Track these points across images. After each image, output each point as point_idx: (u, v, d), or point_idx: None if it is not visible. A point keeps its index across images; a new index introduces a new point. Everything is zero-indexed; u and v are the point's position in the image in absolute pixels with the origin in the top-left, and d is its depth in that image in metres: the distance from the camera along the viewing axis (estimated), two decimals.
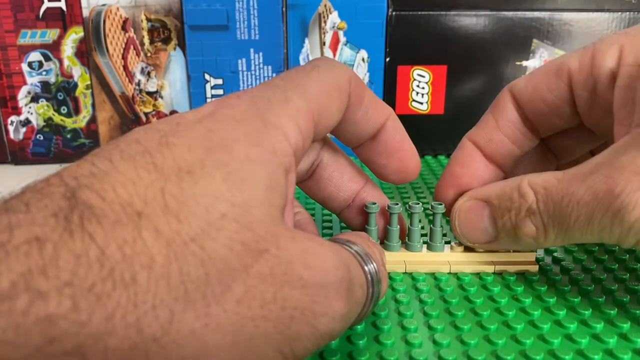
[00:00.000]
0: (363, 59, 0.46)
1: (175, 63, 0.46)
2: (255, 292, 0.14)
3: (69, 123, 0.47)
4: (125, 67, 0.46)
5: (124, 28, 0.45)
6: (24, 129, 0.47)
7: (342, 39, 0.46)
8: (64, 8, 0.44)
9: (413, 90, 0.46)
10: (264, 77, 0.46)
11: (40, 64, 0.45)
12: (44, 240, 0.12)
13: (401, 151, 0.24)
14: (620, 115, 0.22)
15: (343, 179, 0.25)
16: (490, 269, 0.26)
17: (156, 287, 0.13)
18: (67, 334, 0.12)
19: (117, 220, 0.13)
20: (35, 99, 0.46)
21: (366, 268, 0.19)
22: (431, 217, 0.27)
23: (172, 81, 0.46)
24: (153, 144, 0.15)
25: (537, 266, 0.27)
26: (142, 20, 0.45)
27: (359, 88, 0.21)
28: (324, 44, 0.46)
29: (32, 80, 0.46)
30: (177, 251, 0.13)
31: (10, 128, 0.47)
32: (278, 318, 0.15)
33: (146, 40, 0.45)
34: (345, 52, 0.46)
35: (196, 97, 0.46)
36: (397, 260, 0.27)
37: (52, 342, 0.11)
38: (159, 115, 0.47)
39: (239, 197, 0.15)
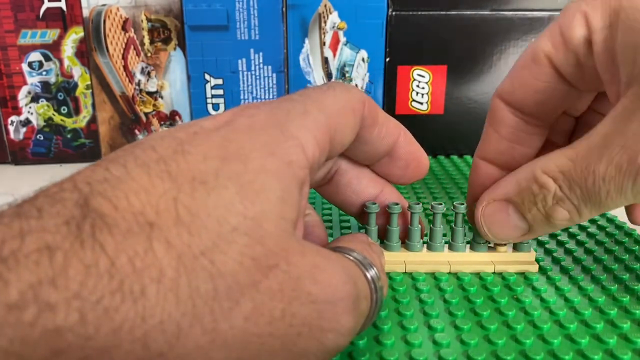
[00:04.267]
0: (363, 59, 0.46)
1: (175, 63, 0.46)
2: (263, 308, 0.14)
3: (69, 123, 0.47)
4: (125, 67, 0.46)
5: (124, 28, 0.45)
6: (24, 129, 0.47)
7: (342, 39, 0.46)
8: (64, 8, 0.44)
9: (413, 90, 0.46)
10: (264, 77, 0.46)
11: (41, 64, 0.45)
12: (54, 248, 0.12)
13: (416, 161, 0.24)
14: (606, 77, 0.22)
15: (361, 185, 0.25)
16: (490, 269, 0.26)
17: (165, 301, 0.13)
18: (73, 346, 0.11)
19: (129, 230, 0.13)
20: (35, 99, 0.46)
21: (368, 275, 0.19)
22: (431, 217, 0.27)
23: (172, 81, 0.46)
24: (169, 151, 0.15)
25: (537, 266, 0.27)
26: (142, 20, 0.45)
27: (372, 110, 0.21)
28: (324, 44, 0.46)
29: (32, 80, 0.46)
30: (187, 265, 0.13)
31: (11, 128, 0.47)
32: (285, 335, 0.15)
33: (146, 40, 0.45)
34: (345, 52, 0.46)
35: (196, 97, 0.46)
36: (397, 260, 0.27)
37: (58, 354, 0.11)
38: (159, 115, 0.47)
39: (252, 209, 0.15)
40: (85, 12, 0.44)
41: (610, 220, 0.33)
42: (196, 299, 0.13)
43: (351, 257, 0.19)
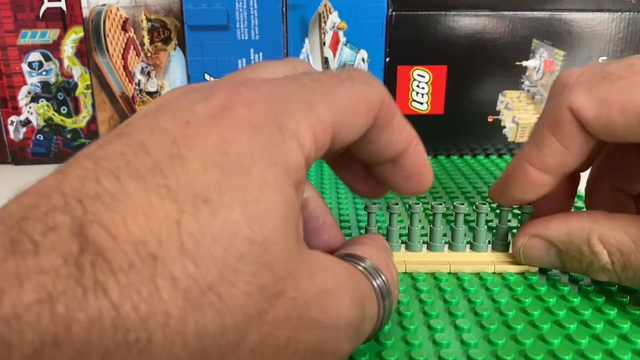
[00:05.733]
0: (363, 59, 0.46)
1: (175, 63, 0.46)
2: (269, 339, 0.14)
3: (69, 123, 0.47)
4: (125, 67, 0.46)
5: (124, 28, 0.45)
6: (24, 129, 0.47)
7: (342, 39, 0.46)
8: (64, 8, 0.44)
9: (413, 90, 0.46)
10: None
11: (40, 64, 0.45)
12: (55, 300, 0.11)
13: (420, 175, 0.22)
14: None
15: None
16: (490, 269, 0.26)
17: (172, 345, 0.12)
18: None
19: (131, 267, 0.12)
20: (35, 99, 0.46)
21: (377, 289, 0.18)
22: (431, 217, 0.27)
23: (172, 81, 0.46)
24: (163, 155, 0.14)
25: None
26: (142, 20, 0.45)
27: (389, 111, 0.19)
28: (324, 44, 0.46)
29: (32, 80, 0.46)
30: (193, 302, 0.12)
31: (11, 128, 0.47)
32: None
33: (146, 40, 0.45)
34: (345, 52, 0.46)
35: None
36: (397, 260, 0.27)
37: None
38: None
39: (259, 233, 0.14)
40: (85, 12, 0.44)
41: None
42: (204, 338, 0.13)
43: (360, 267, 0.18)
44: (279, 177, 0.15)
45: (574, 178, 0.27)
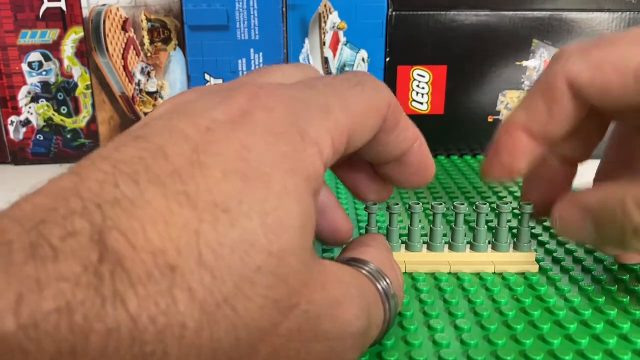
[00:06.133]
0: (363, 59, 0.46)
1: (175, 63, 0.46)
2: (280, 350, 0.14)
3: (69, 123, 0.47)
4: (125, 67, 0.46)
5: (124, 28, 0.45)
6: (24, 129, 0.47)
7: (342, 39, 0.46)
8: (64, 8, 0.44)
9: (413, 90, 0.46)
10: None
11: (40, 64, 0.45)
12: (74, 309, 0.11)
13: (423, 171, 0.23)
14: None
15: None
16: (490, 269, 0.26)
17: (186, 358, 0.12)
18: None
19: (149, 277, 0.12)
20: (35, 99, 0.46)
21: (382, 293, 0.18)
22: (431, 217, 0.27)
23: (172, 81, 0.46)
24: (182, 161, 0.13)
25: (537, 266, 0.27)
26: (142, 20, 0.45)
27: (395, 113, 0.20)
28: (324, 44, 0.46)
29: (32, 80, 0.46)
30: (209, 315, 0.13)
31: (10, 128, 0.47)
32: None
33: (146, 40, 0.45)
34: (345, 52, 0.46)
35: None
36: (397, 260, 0.26)
37: None
38: None
39: (275, 244, 0.14)
40: (85, 12, 0.44)
41: None
42: (217, 351, 0.13)
43: (365, 272, 0.19)
44: (298, 186, 0.15)
45: (571, 168, 0.26)
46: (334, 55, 0.46)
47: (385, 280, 0.19)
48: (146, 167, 0.13)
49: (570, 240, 0.25)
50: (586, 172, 0.27)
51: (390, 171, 0.22)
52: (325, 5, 0.45)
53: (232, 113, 0.15)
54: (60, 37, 0.45)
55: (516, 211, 0.29)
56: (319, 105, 0.16)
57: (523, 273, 0.26)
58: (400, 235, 0.27)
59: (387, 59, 0.46)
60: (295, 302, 0.14)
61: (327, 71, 0.47)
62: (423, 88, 0.46)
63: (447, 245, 0.27)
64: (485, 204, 0.26)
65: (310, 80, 0.18)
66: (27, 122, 0.47)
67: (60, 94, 0.46)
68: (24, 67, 0.45)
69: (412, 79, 0.46)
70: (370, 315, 0.17)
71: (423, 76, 0.46)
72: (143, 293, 0.12)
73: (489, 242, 0.27)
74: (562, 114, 0.22)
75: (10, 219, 0.12)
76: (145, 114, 0.47)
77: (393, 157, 0.21)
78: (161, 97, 0.47)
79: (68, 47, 0.45)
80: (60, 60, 0.45)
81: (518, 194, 0.38)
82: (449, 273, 0.27)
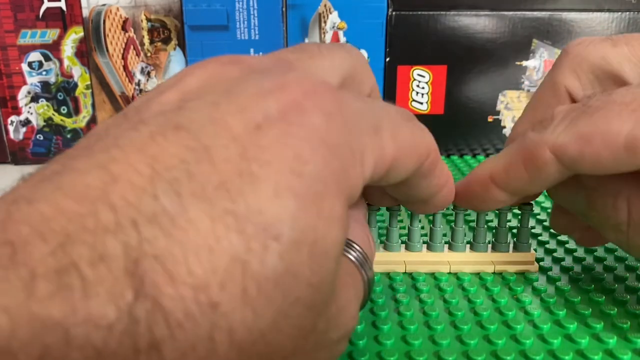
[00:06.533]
0: None
1: (175, 63, 0.46)
2: None
3: (69, 123, 0.47)
4: (125, 67, 0.46)
5: (124, 28, 0.45)
6: (24, 129, 0.47)
7: (342, 39, 0.46)
8: (64, 8, 0.44)
9: (413, 90, 0.46)
10: None
11: (40, 64, 0.45)
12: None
13: (440, 208, 0.22)
14: None
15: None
16: (490, 269, 0.26)
17: None
18: None
19: (189, 318, 0.11)
20: (35, 99, 0.46)
21: (364, 274, 0.18)
22: (431, 217, 0.27)
23: None
24: (230, 170, 0.12)
25: (537, 266, 0.27)
26: (142, 20, 0.45)
27: (434, 163, 0.19)
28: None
29: (32, 80, 0.46)
30: (242, 352, 0.12)
31: (10, 128, 0.47)
32: None
33: (146, 40, 0.45)
34: None
35: None
36: (397, 260, 0.27)
37: None
38: None
39: (317, 276, 0.13)
40: (85, 12, 0.44)
41: None
42: None
43: (352, 257, 0.18)
44: (343, 209, 0.14)
45: None
46: None
47: (367, 263, 0.18)
48: (189, 174, 0.11)
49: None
50: None
51: (413, 207, 0.22)
52: (325, 5, 0.45)
53: (286, 108, 0.13)
54: (60, 37, 0.45)
55: (516, 211, 0.29)
56: (370, 124, 0.15)
57: (523, 273, 0.26)
58: (400, 235, 0.27)
59: (387, 59, 0.46)
60: (317, 324, 0.14)
61: None
62: (423, 88, 0.46)
63: (447, 245, 0.27)
64: None
65: (357, 96, 0.17)
66: (27, 122, 0.47)
67: (60, 94, 0.46)
68: (24, 67, 0.45)
69: (412, 79, 0.46)
70: (358, 304, 0.17)
71: (423, 76, 0.46)
72: (182, 338, 0.11)
73: (489, 242, 0.27)
74: (545, 180, 0.21)
75: (31, 228, 0.10)
76: None
77: (417, 200, 0.21)
78: None
79: (68, 47, 0.45)
80: (60, 60, 0.45)
81: None
82: (449, 273, 0.27)
